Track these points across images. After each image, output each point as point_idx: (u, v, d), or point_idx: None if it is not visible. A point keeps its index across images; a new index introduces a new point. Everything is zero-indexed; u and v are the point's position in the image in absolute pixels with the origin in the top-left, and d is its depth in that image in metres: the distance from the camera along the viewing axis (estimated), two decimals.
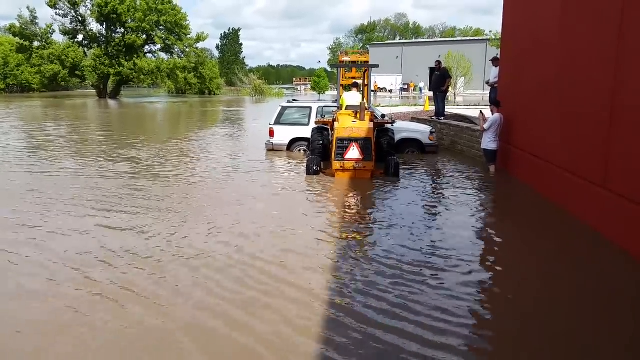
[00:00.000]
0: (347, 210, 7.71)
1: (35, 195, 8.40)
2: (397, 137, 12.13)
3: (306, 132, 12.40)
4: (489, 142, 10.22)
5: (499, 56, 12.33)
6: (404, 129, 13.07)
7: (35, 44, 53.04)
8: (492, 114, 10.35)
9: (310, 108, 13.19)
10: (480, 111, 11.23)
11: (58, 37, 56.44)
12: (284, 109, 13.35)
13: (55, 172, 10.59)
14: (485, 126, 10.18)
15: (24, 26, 51.57)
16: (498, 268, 5.43)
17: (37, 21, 53.19)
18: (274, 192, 8.94)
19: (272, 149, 13.33)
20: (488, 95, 14.38)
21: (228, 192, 8.89)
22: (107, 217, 7.08)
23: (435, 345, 3.72)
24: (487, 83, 14.41)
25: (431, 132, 13.02)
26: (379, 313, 4.20)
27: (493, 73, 13.52)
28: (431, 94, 17.33)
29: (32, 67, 55.92)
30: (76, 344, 3.77)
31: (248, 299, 4.48)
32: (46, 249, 5.79)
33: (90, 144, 15.37)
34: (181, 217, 7.08)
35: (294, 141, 13.11)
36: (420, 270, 5.15)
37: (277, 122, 13.19)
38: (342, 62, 12.47)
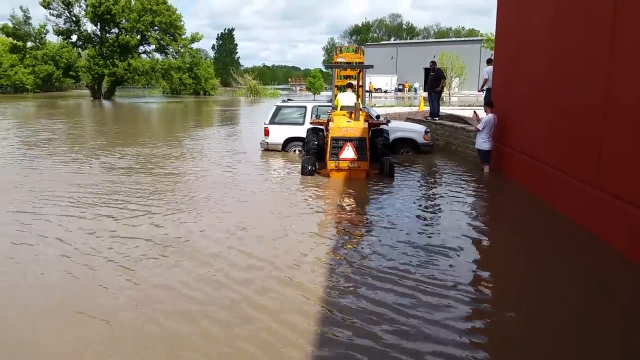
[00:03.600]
0: (341, 210, 7.72)
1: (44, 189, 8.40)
2: (392, 136, 12.15)
3: (301, 131, 12.40)
4: (482, 143, 10.27)
5: (493, 57, 12.40)
6: (398, 128, 13.10)
7: (29, 44, 52.85)
8: (486, 114, 10.40)
9: (305, 107, 13.20)
10: (474, 111, 11.27)
11: (52, 38, 56.43)
12: (278, 108, 13.35)
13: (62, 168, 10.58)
14: (479, 126, 10.23)
15: (17, 26, 51.37)
16: (490, 267, 5.47)
17: (30, 21, 53.09)
18: (268, 192, 8.95)
19: (267, 148, 13.33)
20: (483, 96, 14.41)
21: (221, 191, 8.87)
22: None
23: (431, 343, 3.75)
24: (482, 86, 14.44)
25: (426, 132, 13.06)
26: (368, 313, 4.22)
27: (485, 74, 13.61)
28: (426, 94, 17.37)
29: (25, 68, 55.67)
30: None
31: (238, 297, 4.51)
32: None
33: (83, 144, 15.30)
34: (172, 220, 7.08)
35: (289, 141, 13.10)
36: (411, 269, 5.17)
37: (272, 121, 13.19)
38: (337, 62, 12.56)
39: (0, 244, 6.02)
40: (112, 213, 7.33)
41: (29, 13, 52.82)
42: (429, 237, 6.34)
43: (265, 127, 13.27)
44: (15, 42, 51.86)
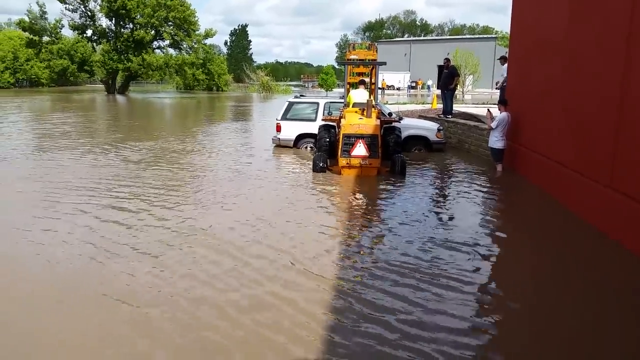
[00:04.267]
0: (354, 206, 7.72)
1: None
2: (404, 134, 12.11)
3: (313, 127, 12.39)
4: (495, 141, 10.19)
5: (507, 55, 12.28)
6: (411, 125, 13.04)
7: (45, 38, 53.33)
8: (500, 113, 10.31)
9: (318, 104, 13.19)
10: (488, 109, 11.19)
11: (67, 32, 56.88)
12: (291, 104, 13.36)
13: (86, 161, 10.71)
14: (493, 125, 10.15)
15: (33, 21, 51.85)
16: (503, 267, 5.44)
17: (46, 16, 53.53)
18: (281, 188, 8.95)
19: (279, 144, 13.36)
20: (498, 93, 14.30)
21: (235, 186, 8.90)
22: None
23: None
24: (496, 86, 14.33)
25: (439, 130, 12.98)
26: (378, 310, 4.23)
27: (502, 71, 13.47)
28: (439, 91, 17.26)
29: (41, 62, 56.26)
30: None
31: (256, 289, 4.54)
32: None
33: (102, 138, 15.45)
34: (182, 215, 7.14)
35: (301, 137, 13.11)
36: (422, 268, 5.16)
37: (285, 117, 13.20)
38: (350, 59, 12.49)
39: (30, 231, 6.27)
40: (135, 204, 7.59)
41: (45, 8, 53.21)
42: (443, 233, 6.32)
43: (277, 123, 13.28)
44: (31, 36, 52.43)
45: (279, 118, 13.27)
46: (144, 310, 4.21)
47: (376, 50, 12.06)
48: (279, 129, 13.22)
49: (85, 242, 5.84)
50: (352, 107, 10.63)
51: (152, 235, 6.13)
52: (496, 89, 14.52)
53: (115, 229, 6.36)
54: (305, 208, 7.54)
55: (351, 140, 9.67)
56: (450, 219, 7.18)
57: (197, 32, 54.47)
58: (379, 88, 14.56)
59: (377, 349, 3.64)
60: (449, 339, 3.78)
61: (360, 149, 9.62)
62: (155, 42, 54.88)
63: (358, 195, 8.41)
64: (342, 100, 12.11)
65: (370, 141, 9.65)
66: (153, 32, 52.63)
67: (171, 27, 52.86)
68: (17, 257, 5.46)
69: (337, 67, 59.86)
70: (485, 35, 73.83)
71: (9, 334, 3.88)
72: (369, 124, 9.77)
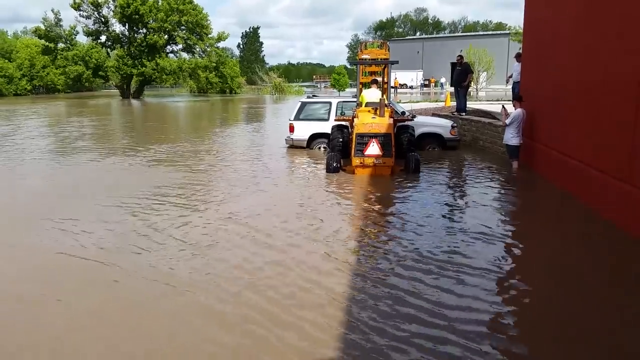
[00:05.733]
0: (367, 206, 7.69)
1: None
2: (418, 131, 12.05)
3: (326, 127, 12.37)
4: (511, 138, 10.08)
5: (521, 51, 12.15)
6: (424, 123, 12.97)
7: (60, 45, 54.01)
8: (515, 109, 10.20)
9: (330, 103, 13.18)
10: (503, 106, 11.08)
11: (82, 39, 57.54)
12: (303, 104, 13.35)
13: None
14: (507, 121, 10.04)
15: (48, 28, 52.57)
16: (520, 268, 5.38)
17: (61, 23, 54.18)
18: (295, 188, 8.97)
19: (292, 144, 13.37)
20: (511, 90, 14.14)
21: (247, 184, 8.94)
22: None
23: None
24: (507, 81, 14.21)
25: (452, 127, 12.88)
26: (393, 312, 4.22)
27: (515, 68, 13.30)
28: (452, 89, 17.13)
29: (57, 69, 56.95)
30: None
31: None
32: None
33: (125, 140, 15.64)
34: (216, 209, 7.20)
35: (313, 137, 13.09)
36: (439, 265, 5.14)
37: (297, 117, 13.19)
38: (362, 59, 12.44)
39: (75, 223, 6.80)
40: (164, 202, 7.94)
41: (60, 15, 53.89)
42: (456, 235, 6.24)
43: (290, 124, 13.29)
44: (47, 43, 53.16)
45: (292, 118, 13.28)
46: (185, 294, 4.28)
47: (388, 49, 11.97)
48: (292, 129, 13.22)
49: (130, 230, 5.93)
50: (365, 106, 10.61)
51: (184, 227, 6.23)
52: (507, 83, 14.39)
53: (149, 219, 6.49)
54: (321, 207, 7.55)
55: (364, 139, 9.64)
56: (467, 216, 7.11)
57: (209, 36, 54.74)
58: (392, 87, 14.47)
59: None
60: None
61: (373, 148, 9.59)
62: (168, 47, 55.24)
63: (373, 194, 8.37)
64: (355, 100, 12.10)
65: (384, 140, 9.61)
66: (166, 36, 52.99)
67: (184, 31, 53.20)
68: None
69: (349, 67, 59.66)
70: (498, 32, 73.11)
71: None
72: (382, 123, 9.74)
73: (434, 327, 3.90)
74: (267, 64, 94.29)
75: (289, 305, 4.32)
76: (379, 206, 7.67)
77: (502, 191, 8.80)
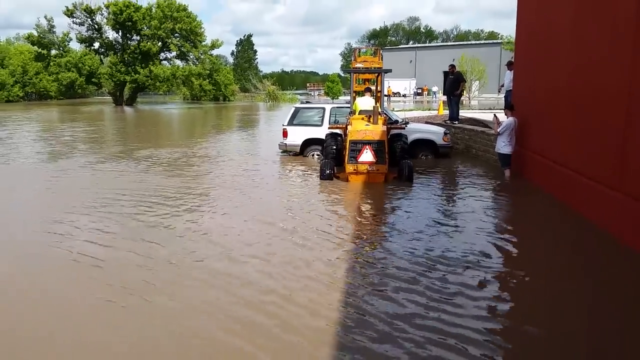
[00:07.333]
0: (360, 214, 7.71)
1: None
2: (411, 137, 12.09)
3: (320, 133, 12.38)
4: (503, 146, 10.15)
5: (513, 60, 12.26)
6: (417, 129, 12.99)
7: (53, 52, 53.96)
8: (507, 118, 10.28)
9: (324, 109, 13.20)
10: (495, 115, 11.16)
11: (75, 45, 57.50)
12: (297, 109, 13.37)
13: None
14: (499, 130, 10.11)
15: (42, 35, 52.51)
16: (512, 276, 5.40)
17: (54, 30, 54.19)
18: (288, 196, 8.98)
19: (285, 150, 13.37)
20: (503, 99, 14.25)
21: (241, 192, 8.94)
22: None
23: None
24: (499, 89, 14.32)
25: (445, 133, 12.94)
26: (381, 322, 4.22)
27: (507, 77, 13.41)
28: (445, 97, 17.24)
29: (49, 75, 56.83)
30: None
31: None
32: None
33: (121, 147, 15.58)
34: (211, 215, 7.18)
35: (307, 142, 13.09)
36: (430, 273, 5.15)
37: (291, 123, 13.20)
38: (356, 68, 12.51)
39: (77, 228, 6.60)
40: (163, 207, 7.86)
41: (53, 22, 53.96)
42: (448, 243, 6.25)
43: (283, 129, 13.30)
44: (40, 50, 53.04)
45: (285, 124, 13.29)
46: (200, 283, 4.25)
47: (381, 57, 12.04)
48: (285, 134, 13.23)
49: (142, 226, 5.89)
50: (359, 114, 10.65)
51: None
52: (499, 92, 14.51)
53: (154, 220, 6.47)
54: (313, 214, 7.54)
55: (358, 146, 9.67)
56: (459, 225, 7.12)
57: (203, 43, 54.85)
58: (385, 95, 14.55)
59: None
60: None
61: (367, 155, 9.62)
62: (162, 54, 55.27)
63: (366, 202, 8.41)
64: (348, 105, 12.13)
65: (377, 147, 9.65)
66: (160, 43, 53.03)
67: (178, 38, 53.26)
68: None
69: (342, 75, 59.97)
70: (490, 41, 73.73)
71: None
72: (375, 130, 9.78)
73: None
74: (261, 71, 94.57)
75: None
76: (372, 213, 7.69)
77: (495, 199, 8.84)
